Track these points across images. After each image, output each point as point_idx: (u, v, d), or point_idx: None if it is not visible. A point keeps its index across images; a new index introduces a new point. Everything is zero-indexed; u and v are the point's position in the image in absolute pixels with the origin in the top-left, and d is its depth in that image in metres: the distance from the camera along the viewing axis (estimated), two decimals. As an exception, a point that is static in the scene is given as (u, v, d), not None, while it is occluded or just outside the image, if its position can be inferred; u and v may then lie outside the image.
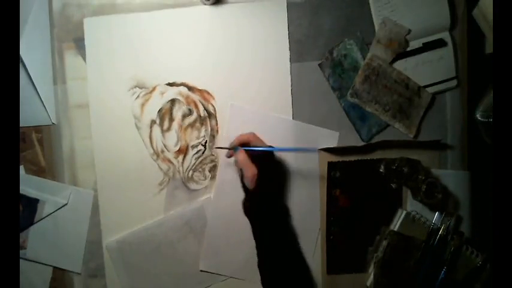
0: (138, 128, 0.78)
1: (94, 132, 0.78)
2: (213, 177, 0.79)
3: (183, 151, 0.79)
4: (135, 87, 0.78)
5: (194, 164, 0.79)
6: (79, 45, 0.78)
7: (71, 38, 0.78)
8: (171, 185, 0.79)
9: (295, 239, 0.75)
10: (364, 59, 0.79)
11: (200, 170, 0.79)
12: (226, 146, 0.75)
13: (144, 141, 0.78)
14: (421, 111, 0.80)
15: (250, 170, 0.68)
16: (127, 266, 0.78)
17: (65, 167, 0.78)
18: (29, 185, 0.77)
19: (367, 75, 0.79)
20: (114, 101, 0.78)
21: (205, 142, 0.78)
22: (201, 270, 0.79)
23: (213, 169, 0.79)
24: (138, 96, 0.78)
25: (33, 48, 0.76)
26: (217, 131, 0.79)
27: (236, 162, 0.72)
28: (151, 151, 0.78)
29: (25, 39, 0.75)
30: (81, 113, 0.78)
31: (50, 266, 0.78)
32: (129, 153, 0.78)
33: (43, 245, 0.78)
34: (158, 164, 0.78)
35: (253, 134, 0.72)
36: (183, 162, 0.79)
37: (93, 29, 0.77)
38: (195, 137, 0.79)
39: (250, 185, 0.69)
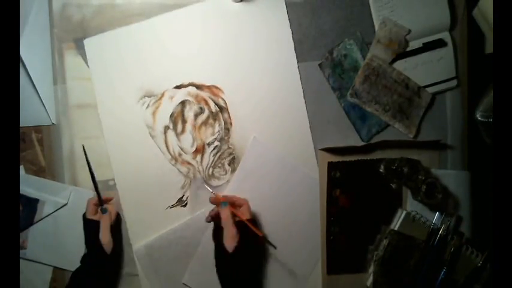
0: (152, 136, 0.78)
1: (110, 147, 0.78)
2: (233, 170, 0.79)
3: (200, 150, 0.79)
4: (144, 97, 0.78)
5: (213, 160, 0.79)
6: (79, 45, 0.78)
7: (71, 38, 0.78)
8: (193, 186, 0.79)
9: None
10: (364, 59, 0.79)
11: (220, 165, 0.79)
12: (241, 137, 0.77)
13: (160, 148, 0.78)
14: (421, 111, 0.80)
15: (231, 231, 0.67)
16: (156, 270, 0.78)
17: (65, 167, 0.78)
18: (28, 185, 0.77)
19: (367, 75, 0.79)
20: (125, 115, 0.78)
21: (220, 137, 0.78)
22: (184, 284, 0.78)
23: (232, 162, 0.79)
24: (148, 106, 0.78)
25: (33, 48, 0.76)
26: (230, 123, 0.79)
27: (218, 217, 0.70)
28: (169, 157, 0.78)
29: (25, 39, 0.75)
30: (81, 113, 0.78)
31: (50, 266, 0.78)
32: (148, 162, 0.78)
33: (43, 245, 0.77)
34: (178, 168, 0.78)
35: (247, 203, 0.72)
36: (201, 162, 0.79)
37: (94, 48, 0.78)
38: (209, 134, 0.79)
39: (229, 246, 0.67)
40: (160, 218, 0.78)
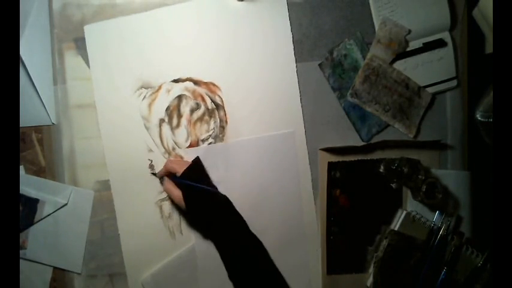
0: (147, 128, 0.78)
1: (104, 136, 0.77)
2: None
3: (194, 146, 0.79)
4: (141, 88, 0.78)
5: None
6: (79, 45, 0.77)
7: (71, 38, 0.78)
8: None
9: (257, 243, 0.75)
10: (364, 59, 0.79)
11: None
12: (236, 136, 0.78)
13: (154, 140, 0.78)
14: (421, 111, 0.80)
15: (175, 194, 0.73)
16: None
17: (65, 167, 0.78)
18: (29, 185, 0.77)
19: (367, 75, 0.79)
20: (121, 105, 0.77)
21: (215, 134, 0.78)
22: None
23: None
24: (144, 97, 0.78)
25: (33, 48, 0.76)
26: (226, 121, 0.79)
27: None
28: (163, 150, 0.78)
29: (25, 39, 0.75)
30: (81, 113, 0.78)
31: (50, 266, 0.78)
32: (141, 153, 0.78)
33: (43, 245, 0.77)
34: None
35: (170, 160, 0.76)
36: None
37: (93, 35, 0.77)
38: (204, 130, 0.79)
39: (181, 206, 0.73)
40: (150, 210, 0.78)
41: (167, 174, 0.75)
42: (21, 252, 0.77)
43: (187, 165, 0.74)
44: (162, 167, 0.76)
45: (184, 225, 0.79)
